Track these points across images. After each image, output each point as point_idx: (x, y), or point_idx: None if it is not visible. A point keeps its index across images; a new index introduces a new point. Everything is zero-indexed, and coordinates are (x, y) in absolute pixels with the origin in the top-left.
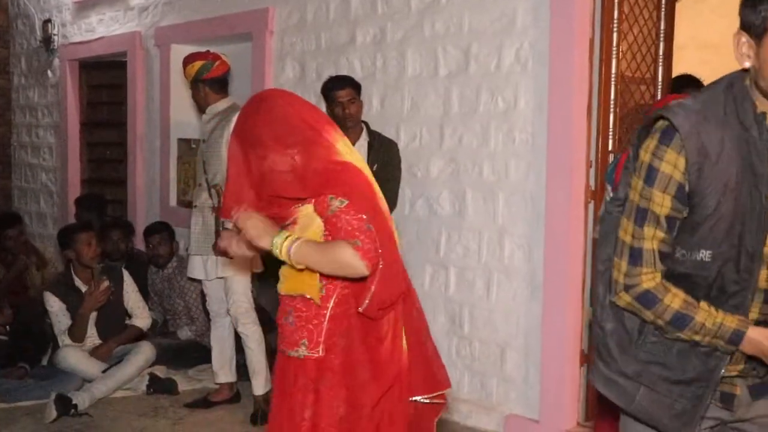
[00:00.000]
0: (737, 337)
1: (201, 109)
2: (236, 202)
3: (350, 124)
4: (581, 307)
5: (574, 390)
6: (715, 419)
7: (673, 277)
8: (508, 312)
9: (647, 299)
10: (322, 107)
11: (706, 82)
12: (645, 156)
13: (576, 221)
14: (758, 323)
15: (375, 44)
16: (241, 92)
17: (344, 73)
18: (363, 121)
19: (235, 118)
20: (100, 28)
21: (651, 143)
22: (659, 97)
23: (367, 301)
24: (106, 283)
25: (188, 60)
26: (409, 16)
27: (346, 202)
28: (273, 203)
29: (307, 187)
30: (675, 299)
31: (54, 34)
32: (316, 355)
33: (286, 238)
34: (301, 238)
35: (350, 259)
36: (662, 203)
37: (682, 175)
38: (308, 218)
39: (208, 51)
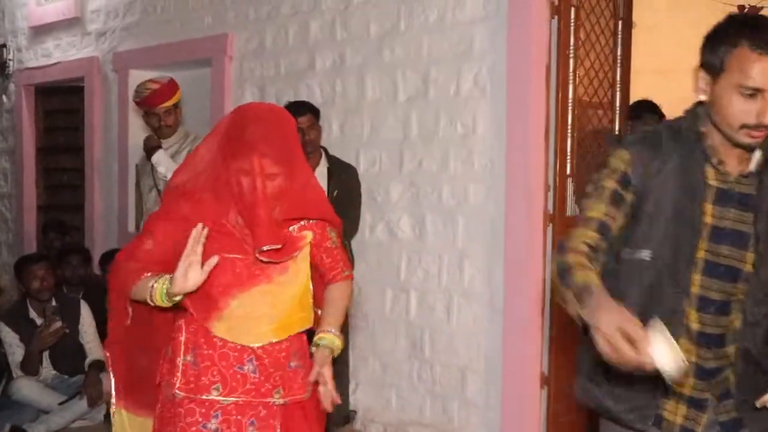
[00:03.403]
0: (588, 290)
1: (167, 135)
2: (278, 233)
3: (309, 150)
4: (541, 330)
5: (534, 412)
6: None
7: (614, 275)
8: (469, 335)
9: (563, 270)
10: None
11: (661, 107)
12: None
13: (535, 244)
14: (699, 333)
15: (334, 69)
16: (200, 118)
17: (304, 98)
18: (322, 147)
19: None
20: (57, 53)
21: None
22: (617, 122)
23: None
24: (57, 324)
25: (173, 86)
26: (368, 42)
27: (336, 239)
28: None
29: (314, 207)
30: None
31: (9, 59)
32: (314, 387)
33: (327, 339)
34: (327, 330)
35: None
36: (611, 177)
37: (623, 165)
38: (307, 246)
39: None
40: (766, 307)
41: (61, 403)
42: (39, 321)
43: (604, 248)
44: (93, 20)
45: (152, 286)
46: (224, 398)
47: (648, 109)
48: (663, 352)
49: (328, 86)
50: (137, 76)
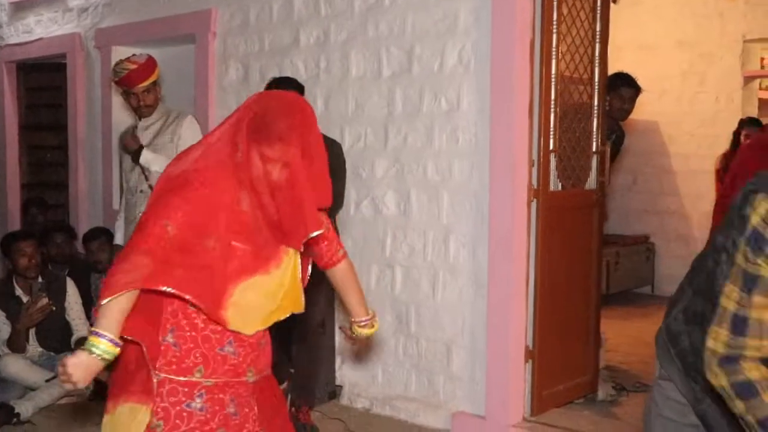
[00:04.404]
0: None
1: (147, 113)
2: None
3: None
4: (525, 304)
5: (519, 386)
6: None
7: None
8: (454, 310)
9: (744, 389)
10: None
11: (642, 82)
12: (755, 220)
13: (519, 219)
14: None
15: (318, 45)
16: (184, 94)
17: (288, 74)
18: None
19: (185, 122)
20: (38, 30)
21: (762, 207)
22: (596, 97)
23: None
24: (44, 301)
25: (151, 65)
26: (353, 18)
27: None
28: None
29: (327, 197)
30: None
31: None
32: None
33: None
34: (363, 322)
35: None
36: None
37: None
38: None
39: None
40: None
41: (48, 380)
42: (25, 299)
43: None
44: None
45: (91, 339)
46: (205, 380)
47: (624, 81)
48: None
49: (312, 62)
50: (120, 53)
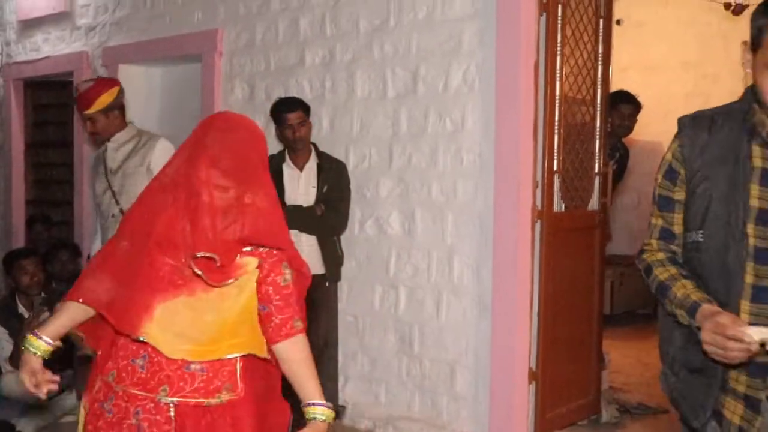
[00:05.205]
0: (693, 309)
1: (102, 140)
2: (218, 244)
3: (300, 146)
4: (529, 325)
5: (523, 407)
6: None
7: (689, 265)
8: (458, 331)
9: (647, 270)
10: (272, 129)
11: (646, 102)
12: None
13: (523, 240)
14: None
15: (324, 65)
16: (191, 114)
17: (293, 94)
18: (312, 143)
19: (157, 145)
20: (46, 48)
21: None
22: (598, 118)
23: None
24: (46, 315)
25: (102, 87)
26: (358, 38)
27: (291, 277)
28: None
29: (271, 234)
30: (664, 273)
31: None
32: (237, 396)
33: (321, 414)
34: (313, 403)
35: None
36: (658, 182)
37: (671, 156)
38: (250, 275)
39: (103, 77)
40: None
41: (50, 398)
42: (28, 315)
43: (675, 249)
44: (82, 14)
45: (29, 339)
46: (116, 385)
47: (623, 99)
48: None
49: (317, 82)
50: (127, 71)
